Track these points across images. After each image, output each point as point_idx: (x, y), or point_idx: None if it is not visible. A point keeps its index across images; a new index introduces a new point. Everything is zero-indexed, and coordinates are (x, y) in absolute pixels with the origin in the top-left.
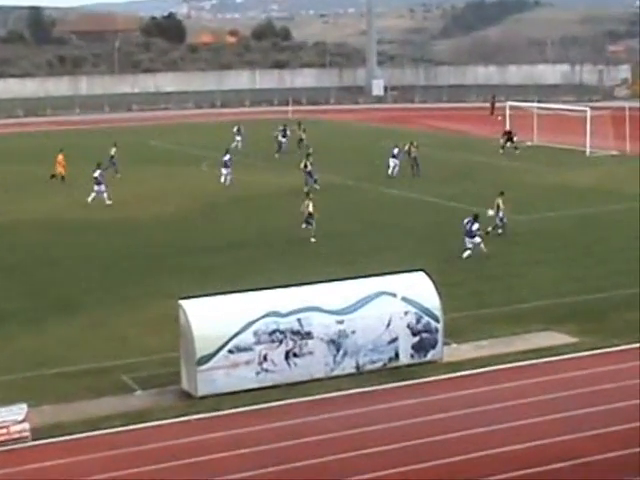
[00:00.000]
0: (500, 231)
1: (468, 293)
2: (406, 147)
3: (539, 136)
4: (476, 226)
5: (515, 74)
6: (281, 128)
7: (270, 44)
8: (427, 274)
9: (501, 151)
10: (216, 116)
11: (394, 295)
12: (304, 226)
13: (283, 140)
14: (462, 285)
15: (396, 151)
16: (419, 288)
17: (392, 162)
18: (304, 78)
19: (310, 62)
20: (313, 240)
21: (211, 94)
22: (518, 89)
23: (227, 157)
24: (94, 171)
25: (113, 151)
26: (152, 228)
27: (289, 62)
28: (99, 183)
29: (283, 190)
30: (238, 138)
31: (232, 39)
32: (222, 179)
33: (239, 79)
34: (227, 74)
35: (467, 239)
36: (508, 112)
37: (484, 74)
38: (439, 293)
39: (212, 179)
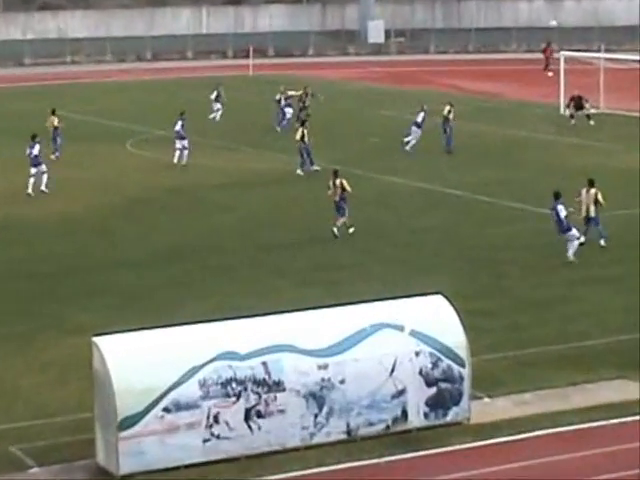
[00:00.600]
0: (582, 239)
1: (505, 325)
2: (444, 111)
3: (608, 100)
4: (562, 210)
5: (572, 11)
6: (285, 93)
7: None
8: (447, 298)
9: (572, 122)
10: (145, 73)
11: (401, 328)
12: (337, 223)
13: (288, 110)
14: (497, 314)
15: (421, 117)
16: (436, 318)
17: (414, 133)
18: (271, 19)
19: None
20: (351, 230)
21: (138, 42)
22: (577, 33)
23: (180, 125)
24: (31, 147)
25: (56, 121)
26: (53, 234)
27: None
28: (38, 164)
29: (254, 178)
30: (217, 106)
31: None
32: (176, 157)
33: (177, 20)
34: (160, 13)
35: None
36: (563, 66)
37: (527, 11)
38: (464, 325)
39: (141, 163)
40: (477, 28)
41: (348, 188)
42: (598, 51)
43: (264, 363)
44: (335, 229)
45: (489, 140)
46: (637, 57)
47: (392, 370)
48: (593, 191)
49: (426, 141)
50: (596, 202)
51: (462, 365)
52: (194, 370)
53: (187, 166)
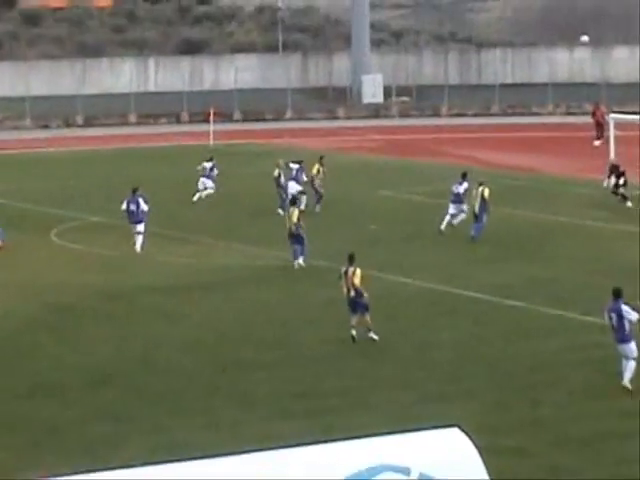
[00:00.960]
0: None
1: (542, 468)
2: (480, 190)
3: None
4: (630, 312)
5: (624, 63)
6: (289, 163)
7: (174, 10)
8: (465, 433)
9: (618, 197)
10: (75, 142)
11: (406, 472)
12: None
13: (294, 187)
14: (531, 453)
15: (463, 188)
16: (452, 458)
17: (453, 209)
18: (237, 72)
19: (248, 43)
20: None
21: (67, 102)
22: (630, 90)
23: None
24: None
25: None
26: None
27: (209, 43)
28: None
29: (214, 277)
30: (208, 184)
31: (104, 1)
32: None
33: (117, 75)
34: (95, 65)
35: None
36: (613, 132)
37: (567, 62)
38: (488, 468)
39: (69, 259)
40: (502, 84)
41: (357, 281)
42: None
43: None
44: (353, 331)
45: (520, 228)
46: None
47: None
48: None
49: (436, 228)
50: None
51: None
52: None
53: (127, 262)
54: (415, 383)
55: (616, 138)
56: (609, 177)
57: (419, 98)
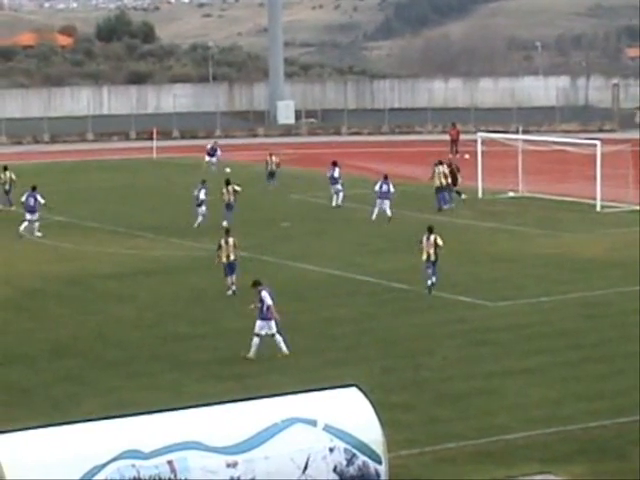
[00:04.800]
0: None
1: (423, 419)
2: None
3: (527, 182)
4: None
5: (490, 92)
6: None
7: (124, 48)
8: (362, 391)
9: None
10: (42, 155)
11: (313, 423)
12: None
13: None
14: (414, 408)
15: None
16: (351, 412)
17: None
18: (175, 99)
19: (184, 75)
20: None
21: (36, 123)
22: (494, 114)
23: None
24: None
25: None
26: None
27: (152, 75)
28: None
29: (155, 265)
30: (202, 196)
31: (66, 40)
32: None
33: (77, 100)
34: (59, 93)
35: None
36: (480, 147)
37: (443, 92)
38: (380, 420)
39: (37, 252)
40: (391, 108)
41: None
42: (516, 132)
43: (169, 462)
44: (230, 291)
45: (405, 225)
46: (556, 138)
47: (305, 467)
48: (432, 237)
49: (338, 225)
50: (435, 246)
51: (379, 462)
52: (95, 470)
53: (84, 253)
54: (320, 351)
55: (483, 152)
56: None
57: (323, 119)
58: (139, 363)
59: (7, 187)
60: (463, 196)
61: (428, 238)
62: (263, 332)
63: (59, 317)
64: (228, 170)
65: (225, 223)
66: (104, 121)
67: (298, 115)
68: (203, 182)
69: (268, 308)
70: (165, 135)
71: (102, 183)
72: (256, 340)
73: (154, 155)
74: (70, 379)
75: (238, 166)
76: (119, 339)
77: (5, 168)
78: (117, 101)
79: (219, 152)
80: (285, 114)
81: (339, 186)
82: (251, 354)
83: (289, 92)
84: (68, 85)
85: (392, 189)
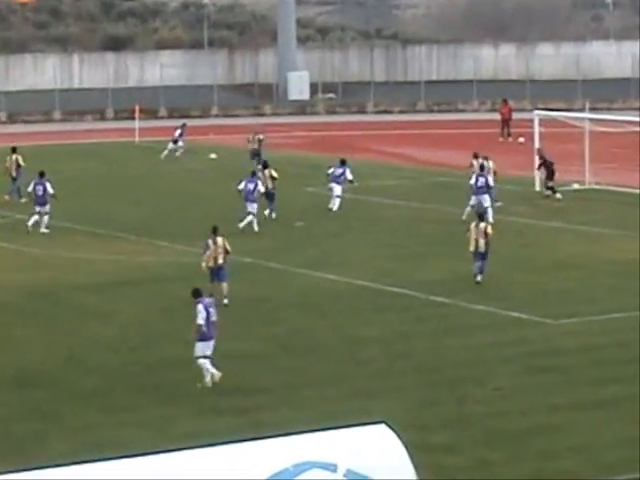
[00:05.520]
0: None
1: (470, 464)
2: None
3: (595, 172)
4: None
5: (549, 60)
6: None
7: (98, 6)
8: (392, 429)
9: (547, 192)
10: None
11: (333, 468)
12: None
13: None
14: (459, 449)
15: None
16: (379, 454)
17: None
18: (162, 69)
19: (173, 40)
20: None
21: None
22: (555, 87)
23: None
24: None
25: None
26: None
27: (134, 40)
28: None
29: (142, 274)
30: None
31: None
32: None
33: (41, 71)
34: (18, 61)
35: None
36: (538, 129)
37: (492, 61)
38: (415, 464)
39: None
40: (428, 81)
41: (229, 248)
42: (582, 110)
43: None
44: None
45: (446, 224)
46: (631, 118)
47: None
48: (483, 225)
49: (364, 224)
50: (485, 235)
51: None
52: None
53: (54, 260)
54: (343, 379)
55: (541, 134)
56: (538, 169)
57: (345, 95)
58: (120, 394)
59: (14, 173)
60: (558, 195)
61: (477, 225)
62: (208, 352)
63: (23, 338)
64: (213, 156)
65: (271, 214)
66: (74, 96)
67: (314, 89)
68: (253, 174)
69: (209, 326)
70: (150, 114)
71: (73, 173)
72: (202, 362)
73: (136, 138)
74: (36, 414)
75: (238, 152)
76: (96, 365)
77: (14, 150)
78: (90, 72)
79: (184, 136)
80: (298, 88)
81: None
82: (208, 380)
83: (303, 61)
84: (30, 52)
85: (349, 176)
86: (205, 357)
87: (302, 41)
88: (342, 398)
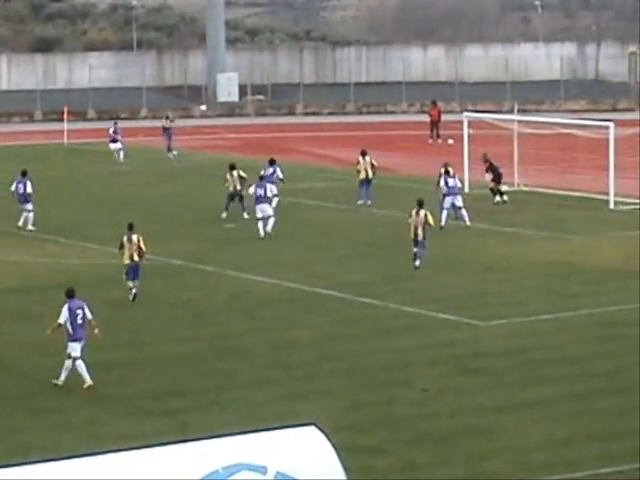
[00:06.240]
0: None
1: (399, 465)
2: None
3: (524, 174)
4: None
5: (478, 62)
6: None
7: (26, 7)
8: (322, 431)
9: (498, 199)
10: None
11: (263, 470)
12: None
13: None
14: (387, 451)
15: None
16: (309, 457)
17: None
18: (91, 71)
19: (102, 41)
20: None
21: None
22: (484, 89)
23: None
24: None
25: None
26: None
27: (63, 41)
28: None
29: (68, 278)
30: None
31: None
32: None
33: None
34: None
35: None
36: (467, 130)
37: (421, 63)
38: (345, 466)
39: None
40: (357, 82)
41: (143, 247)
42: (511, 112)
43: None
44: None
45: (376, 226)
46: (559, 120)
47: None
48: (422, 213)
49: (294, 227)
50: (425, 223)
51: None
52: None
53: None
54: (273, 382)
55: (470, 137)
56: (486, 172)
57: (274, 97)
58: (48, 397)
59: None
60: (505, 197)
61: (417, 213)
62: (74, 353)
63: None
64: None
65: (245, 215)
66: (2, 98)
67: (243, 91)
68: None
69: (75, 327)
70: (79, 115)
71: (1, 175)
72: (67, 362)
73: (65, 140)
74: None
75: (168, 153)
76: (23, 368)
77: None
78: (19, 73)
79: (120, 136)
80: (227, 90)
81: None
82: (61, 379)
83: (232, 63)
84: None
85: (280, 174)
86: (70, 357)
87: (231, 43)
88: (272, 400)
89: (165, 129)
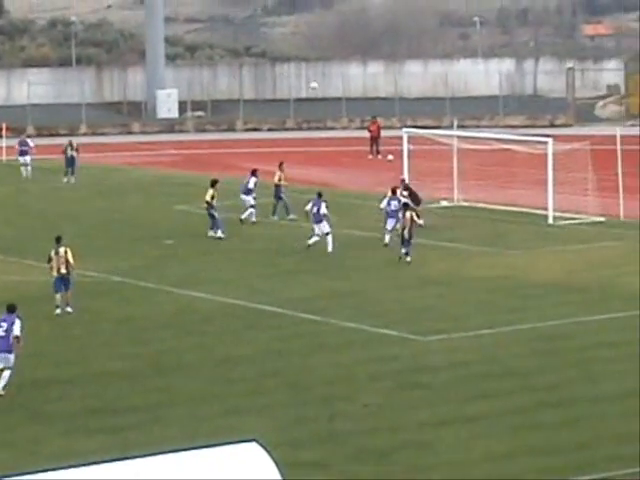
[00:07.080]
0: None
1: (342, 479)
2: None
3: (464, 189)
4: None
5: (418, 78)
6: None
7: None
8: (263, 447)
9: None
10: None
11: None
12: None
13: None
14: (328, 466)
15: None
16: (249, 472)
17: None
18: (30, 87)
19: (41, 57)
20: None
21: None
22: (423, 105)
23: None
24: None
25: None
26: None
27: (0, 57)
28: None
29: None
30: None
31: None
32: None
33: None
34: None
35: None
36: (407, 146)
37: (361, 79)
38: None
39: None
40: (297, 98)
41: (71, 259)
42: (450, 127)
43: None
44: (59, 310)
45: (317, 242)
46: (498, 135)
47: None
48: (408, 214)
49: (234, 243)
50: (411, 222)
51: None
52: None
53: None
54: (214, 398)
55: (410, 152)
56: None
57: (214, 113)
58: None
59: None
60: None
61: (403, 215)
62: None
63: None
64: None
65: (219, 233)
66: None
67: (183, 107)
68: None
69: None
70: (17, 132)
71: None
72: None
73: (3, 157)
74: None
75: (107, 170)
76: None
77: None
78: None
79: (31, 148)
80: (166, 106)
81: (252, 200)
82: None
83: (171, 79)
84: None
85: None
86: None
87: (171, 59)
88: (213, 416)
89: (70, 158)
